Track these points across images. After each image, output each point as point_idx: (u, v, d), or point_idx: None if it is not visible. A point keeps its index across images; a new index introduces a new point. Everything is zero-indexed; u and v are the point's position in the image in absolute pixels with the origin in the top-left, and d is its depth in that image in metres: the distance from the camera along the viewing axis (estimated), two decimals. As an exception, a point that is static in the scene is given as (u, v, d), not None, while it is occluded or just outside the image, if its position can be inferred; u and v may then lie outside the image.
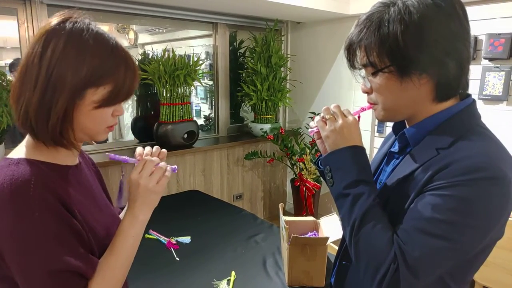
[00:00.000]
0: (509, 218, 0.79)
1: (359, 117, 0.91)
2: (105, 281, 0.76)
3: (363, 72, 0.84)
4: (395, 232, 0.75)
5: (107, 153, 0.88)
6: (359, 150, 0.83)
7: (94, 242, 0.79)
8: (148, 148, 0.88)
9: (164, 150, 0.90)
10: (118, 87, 0.76)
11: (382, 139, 1.08)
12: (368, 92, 0.84)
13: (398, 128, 0.92)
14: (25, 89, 0.72)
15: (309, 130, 0.92)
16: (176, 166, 0.87)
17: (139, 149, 0.88)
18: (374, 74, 0.79)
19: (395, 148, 0.91)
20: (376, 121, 3.07)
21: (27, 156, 0.75)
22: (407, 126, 0.87)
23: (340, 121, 0.83)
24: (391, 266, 0.71)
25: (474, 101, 0.82)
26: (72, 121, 0.75)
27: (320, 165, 1.03)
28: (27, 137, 0.78)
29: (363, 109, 0.90)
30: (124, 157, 0.86)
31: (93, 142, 0.90)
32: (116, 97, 0.77)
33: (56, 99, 0.71)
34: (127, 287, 0.98)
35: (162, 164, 0.82)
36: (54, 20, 0.74)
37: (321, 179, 3.16)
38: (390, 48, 0.74)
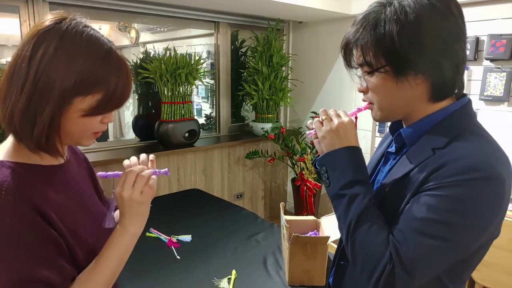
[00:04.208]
0: (508, 219, 0.79)
1: (356, 117, 0.91)
2: None
3: (359, 71, 0.84)
4: (391, 232, 0.75)
5: (98, 173, 0.83)
6: (355, 151, 0.83)
7: (77, 244, 0.76)
8: (134, 158, 0.84)
9: (152, 156, 0.85)
10: (109, 96, 0.73)
11: (383, 139, 1.09)
12: (364, 91, 0.85)
13: (395, 128, 0.93)
14: (12, 92, 0.69)
15: (307, 132, 0.92)
16: (167, 169, 0.83)
17: (126, 162, 0.83)
18: (370, 73, 0.79)
19: (392, 149, 0.91)
20: (377, 121, 3.07)
21: (5, 158, 0.72)
22: (404, 126, 0.88)
23: (336, 122, 0.84)
24: (387, 267, 0.72)
25: (469, 100, 0.82)
26: (59, 129, 0.72)
27: (317, 166, 1.03)
28: (10, 136, 0.75)
29: (359, 110, 0.90)
30: (114, 172, 0.81)
31: (95, 141, 0.88)
32: (106, 106, 0.74)
33: (42, 106, 0.68)
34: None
35: (145, 172, 0.78)
36: (48, 20, 0.70)
37: (322, 178, 3.14)
38: (386, 48, 0.74)
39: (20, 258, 0.66)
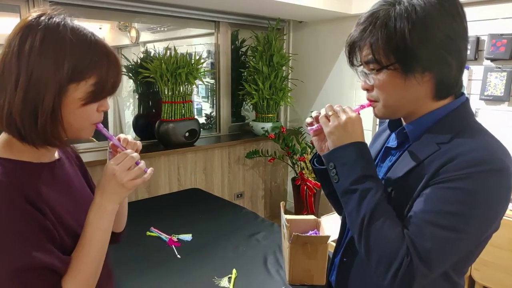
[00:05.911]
0: (508, 219, 0.80)
1: (358, 114, 0.91)
2: (78, 275, 0.75)
3: (364, 69, 0.84)
4: (404, 226, 0.76)
5: (97, 123, 0.86)
6: (363, 146, 0.83)
7: (70, 240, 0.77)
8: (130, 137, 0.88)
9: (139, 142, 0.90)
10: (102, 81, 0.74)
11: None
12: (368, 89, 0.85)
13: (394, 124, 0.93)
14: (4, 90, 0.69)
15: (309, 128, 0.91)
16: (151, 168, 0.84)
17: (123, 135, 0.87)
18: (378, 71, 0.80)
19: (392, 144, 0.91)
20: (378, 120, 3.07)
21: None
22: (403, 123, 0.88)
23: (344, 117, 0.83)
24: (405, 260, 0.72)
25: (467, 99, 0.84)
26: (62, 120, 0.73)
27: (315, 164, 1.03)
28: (1, 136, 0.76)
29: (362, 107, 0.90)
30: (111, 134, 0.85)
31: (94, 140, 0.89)
32: (101, 92, 0.75)
33: (41, 97, 0.69)
34: (113, 285, 0.97)
35: (142, 164, 0.80)
36: (29, 17, 0.72)
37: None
38: (396, 45, 0.75)
39: (17, 247, 0.68)
